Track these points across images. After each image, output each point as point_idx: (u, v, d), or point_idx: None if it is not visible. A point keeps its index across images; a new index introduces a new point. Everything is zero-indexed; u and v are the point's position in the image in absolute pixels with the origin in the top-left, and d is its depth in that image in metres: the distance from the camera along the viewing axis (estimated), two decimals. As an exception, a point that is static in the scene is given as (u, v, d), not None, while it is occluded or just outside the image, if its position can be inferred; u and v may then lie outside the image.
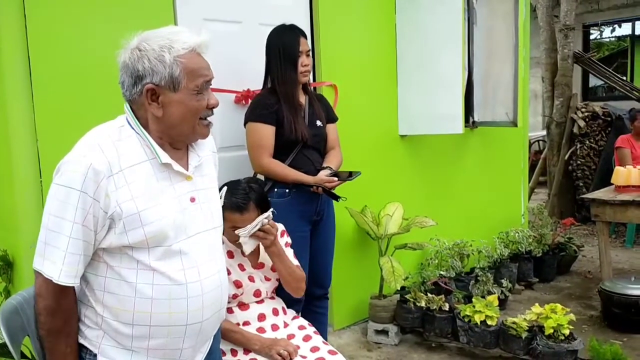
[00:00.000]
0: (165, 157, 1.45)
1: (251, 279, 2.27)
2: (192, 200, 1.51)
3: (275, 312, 2.31)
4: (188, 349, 1.51)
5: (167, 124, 1.45)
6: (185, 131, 1.47)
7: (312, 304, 2.97)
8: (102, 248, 1.42)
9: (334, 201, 2.87)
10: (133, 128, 1.46)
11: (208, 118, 1.51)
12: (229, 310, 2.25)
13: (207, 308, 1.50)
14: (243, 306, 2.27)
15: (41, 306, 1.42)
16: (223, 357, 2.14)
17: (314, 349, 2.20)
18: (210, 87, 1.51)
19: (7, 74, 2.31)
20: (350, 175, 2.78)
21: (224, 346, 2.16)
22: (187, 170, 1.51)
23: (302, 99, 2.83)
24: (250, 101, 2.99)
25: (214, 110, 1.53)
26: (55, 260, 1.37)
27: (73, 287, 1.44)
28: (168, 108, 1.43)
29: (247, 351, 2.17)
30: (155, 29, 1.46)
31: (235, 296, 2.24)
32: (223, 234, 2.18)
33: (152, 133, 1.46)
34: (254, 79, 3.01)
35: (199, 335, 1.52)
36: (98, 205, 1.37)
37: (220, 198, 2.01)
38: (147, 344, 1.45)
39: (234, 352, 2.18)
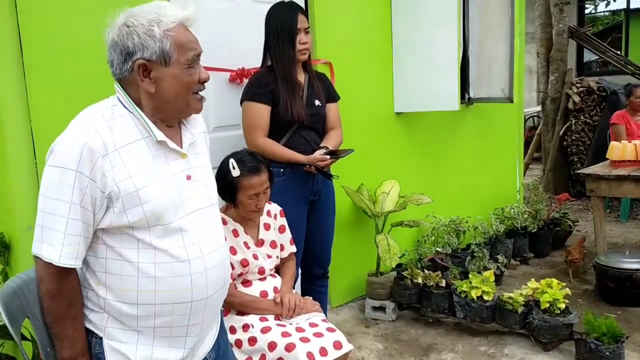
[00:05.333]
0: (160, 135, 1.45)
1: (255, 256, 2.31)
2: (189, 178, 1.51)
3: (276, 290, 2.34)
4: (195, 326, 1.51)
5: (161, 99, 1.44)
6: (179, 106, 1.47)
7: (312, 283, 2.99)
8: (101, 229, 1.41)
9: (333, 181, 2.87)
10: (126, 107, 1.45)
11: (200, 92, 1.51)
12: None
13: (210, 284, 1.50)
14: (246, 283, 2.30)
15: (43, 291, 1.42)
16: (234, 334, 2.18)
17: (313, 325, 2.23)
18: (202, 63, 1.50)
19: (-2, 54, 2.27)
20: (341, 152, 2.77)
21: (235, 323, 2.20)
22: (181, 148, 1.51)
23: (302, 77, 2.79)
24: (245, 80, 2.96)
25: (208, 87, 1.52)
26: (54, 242, 1.36)
27: (75, 270, 1.43)
28: (161, 83, 1.42)
29: (263, 320, 2.23)
30: (139, 5, 1.45)
31: (241, 274, 2.27)
32: (237, 207, 2.27)
33: (145, 111, 1.45)
34: (249, 57, 2.98)
35: (205, 312, 1.52)
36: (95, 185, 1.36)
37: (234, 169, 2.08)
38: (152, 323, 1.45)
39: (245, 327, 2.20)
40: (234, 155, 2.28)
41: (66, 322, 1.43)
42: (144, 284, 1.42)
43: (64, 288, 1.41)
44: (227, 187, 2.23)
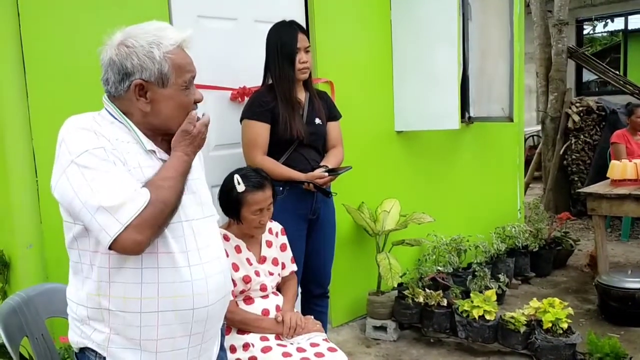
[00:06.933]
0: (149, 144, 1.45)
1: (257, 273, 2.31)
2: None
3: (278, 308, 2.32)
4: (196, 336, 1.50)
5: (155, 118, 1.45)
6: (173, 126, 1.47)
7: (312, 303, 2.97)
8: None
9: (333, 200, 2.86)
10: (115, 117, 1.46)
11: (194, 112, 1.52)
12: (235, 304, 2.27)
13: (211, 292, 1.50)
14: (248, 300, 2.29)
15: (146, 239, 1.35)
16: (234, 353, 2.16)
17: (314, 345, 2.21)
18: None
19: (1, 72, 2.28)
20: (339, 170, 2.77)
21: (236, 342, 2.18)
22: None
23: (302, 96, 2.81)
24: (246, 98, 2.98)
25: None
26: (124, 201, 1.30)
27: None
28: (156, 104, 1.43)
29: (264, 339, 2.20)
30: (137, 25, 1.46)
31: (243, 291, 2.26)
32: (240, 223, 2.26)
33: (136, 124, 1.46)
34: (250, 76, 3.00)
35: (207, 322, 1.51)
36: (117, 152, 1.36)
37: (239, 184, 2.10)
38: (155, 334, 1.44)
39: (245, 347, 2.18)
40: (238, 171, 2.29)
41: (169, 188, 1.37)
42: (147, 290, 1.41)
43: (155, 223, 1.35)
44: (231, 202, 2.24)
